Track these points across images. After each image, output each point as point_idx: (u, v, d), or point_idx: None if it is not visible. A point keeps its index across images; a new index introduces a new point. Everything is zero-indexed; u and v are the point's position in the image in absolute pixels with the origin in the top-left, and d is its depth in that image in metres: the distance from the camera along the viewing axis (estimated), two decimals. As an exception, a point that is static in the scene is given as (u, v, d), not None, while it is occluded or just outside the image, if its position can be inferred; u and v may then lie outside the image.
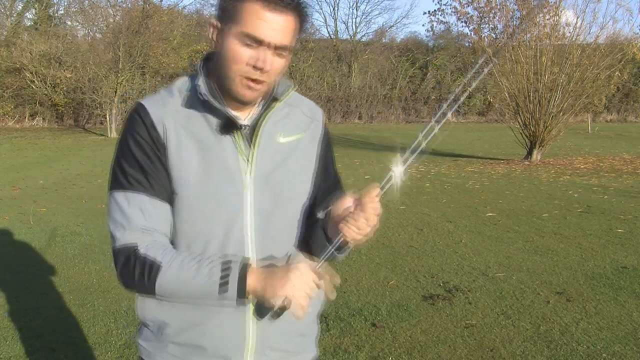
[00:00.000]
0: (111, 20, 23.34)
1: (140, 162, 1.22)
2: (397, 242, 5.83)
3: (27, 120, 23.80)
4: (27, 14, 26.32)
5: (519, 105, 14.13)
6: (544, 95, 13.78)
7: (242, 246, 1.25)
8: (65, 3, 26.38)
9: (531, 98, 13.89)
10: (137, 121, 1.24)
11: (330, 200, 1.30)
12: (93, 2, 23.93)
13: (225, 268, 1.15)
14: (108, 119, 21.07)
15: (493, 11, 14.66)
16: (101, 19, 23.53)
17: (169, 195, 1.24)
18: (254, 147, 1.27)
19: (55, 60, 22.22)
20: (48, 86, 22.51)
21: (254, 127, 1.28)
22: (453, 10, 15.43)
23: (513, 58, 13.89)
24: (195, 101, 1.26)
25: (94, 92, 21.25)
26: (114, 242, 1.23)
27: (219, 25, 1.22)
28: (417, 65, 30.05)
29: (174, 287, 1.18)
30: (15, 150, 15.64)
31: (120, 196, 1.22)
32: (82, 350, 3.36)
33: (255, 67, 1.18)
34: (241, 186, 1.25)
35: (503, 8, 14.56)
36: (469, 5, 14.98)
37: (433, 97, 30.38)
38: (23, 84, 22.45)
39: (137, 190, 1.21)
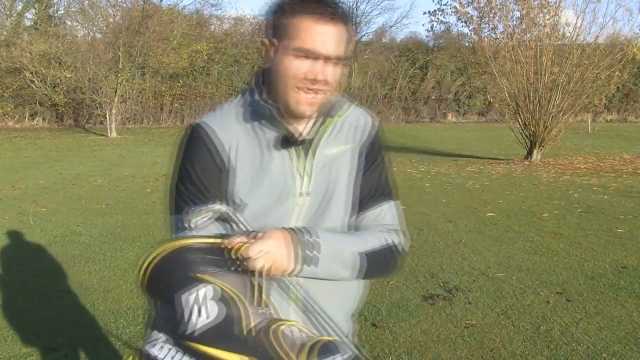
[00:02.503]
0: (111, 20, 23.36)
1: (202, 190, 1.27)
2: (397, 242, 5.82)
3: (27, 120, 23.81)
4: (27, 14, 26.34)
5: (519, 105, 14.13)
6: (544, 95, 13.78)
7: None
8: (65, 3, 26.40)
9: (531, 98, 13.89)
10: (201, 146, 1.28)
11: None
12: (93, 2, 23.94)
13: None
14: (108, 119, 21.07)
15: (493, 11, 14.67)
16: (101, 19, 23.54)
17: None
18: (308, 160, 1.31)
19: (55, 60, 22.22)
20: (48, 86, 22.51)
21: (309, 142, 1.31)
22: (453, 10, 15.47)
23: (513, 58, 13.89)
24: (254, 117, 1.30)
25: (94, 92, 21.26)
26: None
27: (274, 42, 1.25)
28: (417, 65, 30.05)
29: None
30: (15, 150, 15.65)
31: (180, 221, 1.28)
32: (82, 350, 3.36)
33: (311, 79, 1.22)
34: (293, 198, 1.30)
35: (503, 8, 14.57)
36: (469, 5, 15.00)
37: (433, 97, 30.38)
38: (23, 84, 22.46)
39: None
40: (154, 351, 1.11)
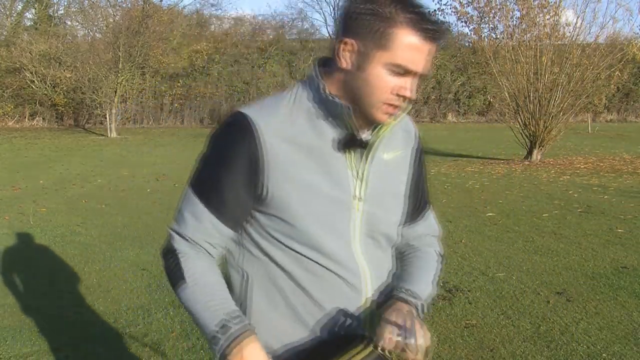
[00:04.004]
0: (111, 20, 23.35)
1: (223, 182, 1.20)
2: (397, 242, 5.82)
3: (27, 120, 23.81)
4: (27, 13, 26.36)
5: (519, 105, 14.13)
6: (544, 95, 13.77)
7: (351, 256, 1.26)
8: (65, 3, 26.42)
9: (531, 98, 13.88)
10: (238, 137, 1.19)
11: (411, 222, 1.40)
12: (93, 2, 23.94)
13: (223, 325, 1.16)
14: (108, 119, 21.07)
15: (493, 11, 14.66)
16: (101, 19, 23.53)
17: (236, 222, 1.23)
18: (365, 163, 1.25)
19: (55, 60, 22.22)
20: (48, 86, 22.51)
21: (366, 145, 1.26)
22: (453, 10, 15.41)
23: (513, 58, 13.89)
24: (310, 112, 1.21)
25: (94, 92, 21.24)
26: (173, 226, 1.26)
27: (359, 46, 1.15)
28: (417, 65, 30.01)
29: (187, 305, 1.22)
30: (15, 150, 15.65)
31: (193, 198, 1.23)
32: (82, 350, 3.36)
33: (400, 96, 1.17)
34: (350, 202, 1.24)
35: (503, 8, 14.56)
36: (469, 5, 14.97)
37: (433, 97, 30.38)
38: (23, 84, 22.45)
39: (208, 204, 1.21)
40: None
